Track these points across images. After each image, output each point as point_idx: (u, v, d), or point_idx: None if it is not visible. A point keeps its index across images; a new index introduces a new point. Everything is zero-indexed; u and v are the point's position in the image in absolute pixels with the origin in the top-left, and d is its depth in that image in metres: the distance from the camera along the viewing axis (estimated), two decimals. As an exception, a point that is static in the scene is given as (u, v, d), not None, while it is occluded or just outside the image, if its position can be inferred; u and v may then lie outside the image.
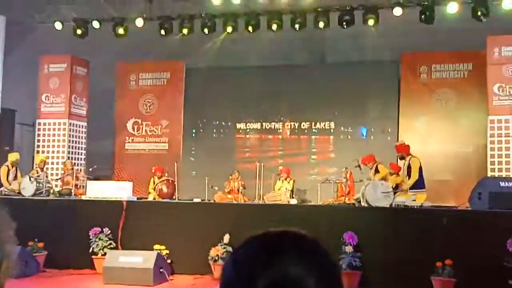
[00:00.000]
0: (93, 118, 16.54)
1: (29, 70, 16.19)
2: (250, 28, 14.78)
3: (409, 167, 12.22)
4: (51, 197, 13.14)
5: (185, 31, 15.12)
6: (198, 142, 17.07)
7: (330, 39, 15.93)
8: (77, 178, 13.89)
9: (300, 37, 15.46)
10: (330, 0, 14.48)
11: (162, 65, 16.67)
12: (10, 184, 13.46)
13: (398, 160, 12.83)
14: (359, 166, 12.51)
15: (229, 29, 14.94)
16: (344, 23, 14.20)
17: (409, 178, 12.16)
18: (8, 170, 13.66)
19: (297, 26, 14.46)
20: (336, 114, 15.95)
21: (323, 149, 16.13)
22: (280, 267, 1.12)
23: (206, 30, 15.08)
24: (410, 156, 12.35)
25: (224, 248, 10.66)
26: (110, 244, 11.44)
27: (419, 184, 12.08)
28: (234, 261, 1.19)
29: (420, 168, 12.19)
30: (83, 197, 12.70)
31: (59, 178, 14.71)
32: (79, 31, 15.65)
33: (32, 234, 11.08)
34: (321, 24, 14.36)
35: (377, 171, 12.45)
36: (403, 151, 12.49)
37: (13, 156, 13.86)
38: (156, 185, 13.75)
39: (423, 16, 13.82)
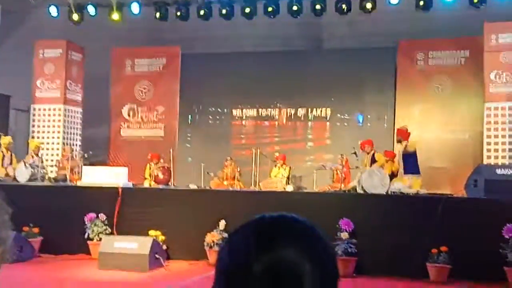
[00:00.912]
0: (88, 103, 16.46)
1: (24, 55, 16.08)
2: (246, 13, 14.72)
3: (404, 151, 12.21)
4: (46, 183, 13.11)
5: (181, 16, 15.05)
6: (194, 129, 17.03)
7: (327, 25, 15.89)
8: (74, 163, 13.86)
9: (296, 23, 15.41)
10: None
11: (158, 51, 16.58)
12: (5, 170, 13.42)
13: (395, 143, 12.83)
14: (355, 153, 12.50)
15: (225, 14, 14.87)
16: (342, 9, 14.15)
17: (404, 163, 12.13)
18: (3, 155, 13.62)
19: (294, 11, 14.41)
20: (333, 100, 15.93)
21: (319, 135, 16.13)
22: (275, 252, 1.10)
23: (202, 16, 15.02)
24: (407, 141, 12.33)
25: (220, 234, 10.65)
26: (106, 229, 11.43)
27: (414, 169, 12.08)
28: (229, 246, 1.17)
29: (415, 152, 12.17)
30: (79, 183, 12.68)
31: (55, 164, 14.67)
32: (74, 17, 15.59)
33: (27, 220, 11.05)
34: (318, 10, 14.30)
35: (373, 160, 12.44)
36: (403, 135, 12.44)
37: (5, 139, 13.79)
38: (152, 171, 13.74)
39: (420, 3, 13.79)
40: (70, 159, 13.74)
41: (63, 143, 15.54)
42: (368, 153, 12.65)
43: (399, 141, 12.55)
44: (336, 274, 1.16)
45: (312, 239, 1.16)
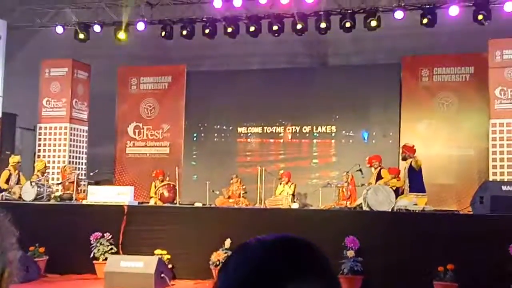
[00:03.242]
0: (94, 122, 16.53)
1: (30, 74, 16.20)
2: (251, 32, 14.80)
3: (410, 169, 12.17)
4: (52, 201, 13.13)
5: (186, 34, 15.14)
6: (199, 146, 17.06)
7: (331, 43, 15.94)
8: (77, 184, 13.88)
9: (301, 40, 15.48)
10: (331, 4, 14.49)
11: (163, 69, 16.66)
12: (10, 188, 13.45)
13: (400, 161, 12.80)
14: (360, 170, 12.49)
15: (230, 32, 14.96)
16: (347, 26, 14.23)
17: (410, 180, 12.07)
18: (10, 174, 13.68)
19: (298, 29, 14.48)
20: (338, 117, 15.93)
21: (324, 153, 16.11)
22: (302, 283, 1.11)
23: (207, 34, 15.11)
24: (412, 159, 12.30)
25: (226, 252, 10.62)
26: (111, 249, 11.42)
27: (419, 188, 12.03)
28: (236, 270, 1.16)
29: (421, 170, 12.13)
30: (84, 202, 12.69)
31: (60, 183, 14.70)
32: (80, 35, 15.71)
33: (33, 239, 11.06)
34: (322, 28, 14.37)
35: (379, 176, 12.42)
36: (409, 151, 12.39)
37: (14, 159, 13.90)
38: (157, 189, 13.74)
39: (424, 19, 13.84)
40: (75, 177, 13.75)
41: (69, 162, 15.56)
42: (375, 168, 12.64)
43: (404, 158, 12.52)
44: None
45: (323, 264, 1.18)
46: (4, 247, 1.32)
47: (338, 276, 1.20)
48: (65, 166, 14.88)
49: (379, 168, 12.61)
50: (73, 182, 13.55)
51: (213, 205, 13.06)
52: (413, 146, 12.54)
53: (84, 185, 13.98)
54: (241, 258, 1.17)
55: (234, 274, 1.14)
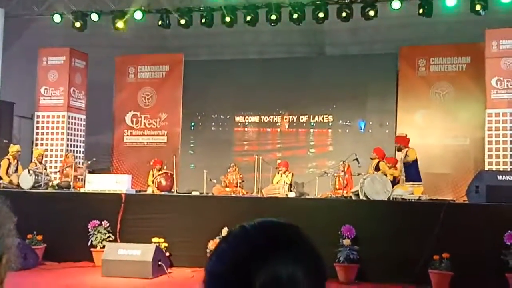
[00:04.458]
0: (91, 111, 16.55)
1: (28, 63, 16.21)
2: (248, 21, 14.80)
3: (405, 157, 12.25)
4: (50, 190, 13.17)
5: (184, 23, 15.14)
6: (196, 135, 17.09)
7: (329, 32, 15.96)
8: (76, 170, 13.93)
9: (299, 30, 15.48)
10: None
11: (161, 58, 16.65)
12: (9, 177, 13.50)
13: (396, 151, 12.87)
14: (357, 159, 12.54)
15: (228, 22, 14.95)
16: (344, 16, 14.23)
17: (405, 170, 12.18)
18: (9, 163, 13.70)
19: (295, 19, 14.48)
20: (335, 107, 15.97)
21: (321, 142, 16.16)
22: (273, 266, 1.16)
23: (204, 23, 15.10)
24: (407, 148, 12.38)
25: (223, 241, 10.66)
26: (109, 237, 11.46)
27: (415, 177, 12.11)
28: (220, 256, 1.23)
29: (416, 160, 12.21)
30: (82, 190, 12.74)
31: (58, 171, 14.74)
32: (77, 24, 15.69)
33: (31, 227, 11.11)
34: (320, 17, 14.38)
35: (377, 168, 12.48)
36: (403, 142, 12.51)
37: (14, 148, 13.92)
38: (155, 178, 13.79)
39: (421, 9, 13.85)
40: (73, 166, 13.80)
41: (67, 150, 15.59)
42: (373, 159, 12.73)
43: (399, 149, 12.60)
44: (324, 276, 1.23)
45: (302, 244, 1.23)
46: (2, 233, 1.32)
47: (322, 259, 1.25)
48: (67, 154, 14.93)
49: (378, 160, 12.66)
50: (72, 167, 13.63)
51: (210, 194, 13.11)
52: (406, 135, 12.62)
53: (82, 173, 13.96)
54: (223, 244, 1.25)
55: (217, 259, 1.22)
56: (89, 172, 13.66)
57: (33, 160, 14.06)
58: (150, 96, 16.53)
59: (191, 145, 17.10)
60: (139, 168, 15.61)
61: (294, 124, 16.28)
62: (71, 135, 16.11)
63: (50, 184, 13.55)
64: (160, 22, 15.42)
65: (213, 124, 16.96)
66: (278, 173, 13.70)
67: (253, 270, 1.15)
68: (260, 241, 1.20)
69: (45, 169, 13.85)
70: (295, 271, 1.16)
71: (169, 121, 16.34)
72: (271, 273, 1.15)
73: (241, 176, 13.98)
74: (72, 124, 16.15)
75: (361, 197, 11.30)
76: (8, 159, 13.75)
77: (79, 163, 14.59)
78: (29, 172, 13.17)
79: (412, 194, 11.44)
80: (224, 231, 10.74)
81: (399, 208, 10.85)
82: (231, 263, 1.19)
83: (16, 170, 13.69)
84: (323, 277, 1.23)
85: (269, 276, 1.15)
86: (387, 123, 15.40)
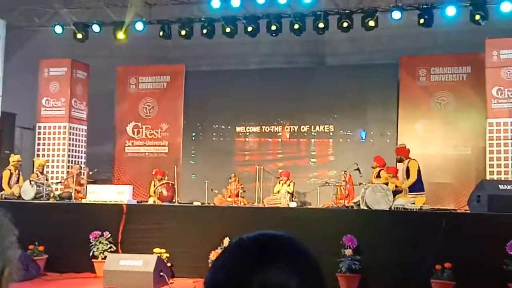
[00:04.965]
0: (93, 121, 16.58)
1: (30, 74, 16.25)
2: (249, 31, 14.85)
3: (407, 170, 12.24)
4: (51, 200, 13.17)
5: (184, 34, 15.19)
6: (197, 145, 17.10)
7: (329, 42, 16.00)
8: (79, 184, 13.94)
9: (299, 40, 15.52)
10: (329, 4, 14.54)
11: (162, 69, 16.70)
12: (10, 188, 13.50)
13: (397, 163, 12.86)
14: (358, 169, 12.53)
15: (229, 32, 15.00)
16: (345, 26, 14.27)
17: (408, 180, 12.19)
18: (11, 173, 13.71)
19: (296, 29, 14.53)
20: (336, 117, 15.97)
21: (322, 152, 16.14)
22: (264, 274, 1.17)
23: (205, 34, 15.14)
24: (408, 159, 12.37)
25: (224, 251, 10.64)
26: (110, 247, 11.46)
27: (418, 187, 12.09)
28: (216, 268, 1.25)
29: (419, 171, 12.20)
30: (83, 201, 12.73)
31: (60, 182, 14.74)
32: (79, 35, 15.75)
33: (33, 238, 11.11)
34: (320, 27, 14.42)
35: (378, 176, 12.48)
36: (403, 153, 12.52)
37: (14, 158, 13.93)
38: (156, 188, 13.78)
39: (421, 20, 13.89)
40: (75, 177, 13.79)
41: (71, 161, 15.62)
42: (374, 168, 12.72)
43: (400, 160, 12.59)
44: (321, 287, 1.24)
45: (297, 255, 1.24)
46: (4, 246, 1.34)
47: (319, 270, 1.26)
48: (73, 166, 14.98)
49: (377, 168, 12.66)
50: (73, 178, 13.65)
51: (211, 204, 13.11)
52: (405, 146, 12.62)
53: (84, 184, 13.97)
54: (221, 256, 1.27)
55: (213, 271, 1.25)
56: (91, 183, 13.66)
57: (34, 171, 14.06)
58: (151, 106, 16.57)
59: (192, 155, 17.10)
60: (140, 179, 15.62)
61: (295, 134, 16.28)
62: (73, 146, 16.14)
63: (52, 195, 13.55)
64: (161, 33, 15.47)
65: (214, 134, 16.96)
66: (279, 182, 13.69)
67: (246, 282, 1.16)
68: (254, 252, 1.22)
69: (47, 179, 13.85)
70: (288, 282, 1.17)
71: (170, 132, 16.37)
72: (262, 284, 1.16)
73: (242, 186, 13.96)
74: (73, 134, 16.19)
75: (362, 206, 11.28)
76: (10, 169, 13.77)
77: (83, 174, 14.59)
78: (30, 183, 13.17)
79: (414, 203, 11.42)
80: (226, 241, 10.75)
81: (401, 218, 10.82)
82: (225, 275, 1.21)
83: (18, 181, 13.70)
84: (319, 287, 1.24)
85: (261, 283, 1.16)
86: (388, 133, 15.40)
